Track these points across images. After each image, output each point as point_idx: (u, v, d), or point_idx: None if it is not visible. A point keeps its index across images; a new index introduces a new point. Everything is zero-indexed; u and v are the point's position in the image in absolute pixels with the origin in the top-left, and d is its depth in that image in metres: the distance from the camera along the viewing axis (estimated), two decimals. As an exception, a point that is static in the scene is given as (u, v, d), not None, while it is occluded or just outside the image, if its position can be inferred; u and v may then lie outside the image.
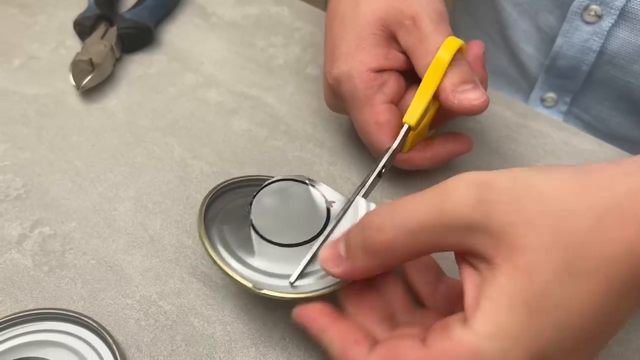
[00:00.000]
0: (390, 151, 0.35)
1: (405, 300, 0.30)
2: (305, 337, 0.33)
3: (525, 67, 0.53)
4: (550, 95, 0.52)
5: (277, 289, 0.30)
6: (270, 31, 0.51)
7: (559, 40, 0.48)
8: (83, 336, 0.32)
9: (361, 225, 0.27)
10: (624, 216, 0.23)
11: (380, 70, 0.36)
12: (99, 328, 0.32)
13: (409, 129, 0.35)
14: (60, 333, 0.32)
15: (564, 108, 0.52)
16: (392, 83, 0.37)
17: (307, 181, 0.36)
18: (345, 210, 0.33)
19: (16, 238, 0.37)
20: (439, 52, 0.34)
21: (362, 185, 0.34)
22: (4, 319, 0.32)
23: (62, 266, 0.36)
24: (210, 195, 0.34)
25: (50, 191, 0.39)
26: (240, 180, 0.36)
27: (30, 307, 0.34)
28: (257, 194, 0.35)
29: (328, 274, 0.29)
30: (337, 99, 0.38)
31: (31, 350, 0.31)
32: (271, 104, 0.45)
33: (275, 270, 0.32)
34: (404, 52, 0.37)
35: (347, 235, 0.28)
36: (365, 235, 0.26)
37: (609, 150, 0.43)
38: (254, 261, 0.32)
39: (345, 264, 0.28)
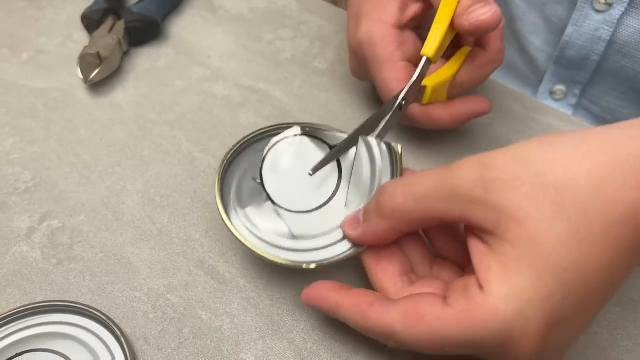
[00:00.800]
0: (410, 83, 0.35)
1: (424, 253, 0.31)
2: (312, 330, 0.33)
3: (534, 60, 0.53)
4: (560, 87, 0.52)
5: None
6: (277, 24, 0.51)
7: (569, 30, 0.47)
8: (91, 328, 0.32)
9: (377, 193, 0.30)
10: (626, 180, 0.24)
11: (400, 27, 0.38)
12: (107, 320, 0.32)
13: (428, 61, 0.35)
14: (69, 325, 0.32)
15: (573, 100, 0.52)
16: (410, 43, 0.38)
17: (307, 129, 0.37)
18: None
19: (25, 231, 0.37)
20: None
21: (378, 120, 0.35)
22: (14, 311, 0.32)
23: (71, 259, 0.36)
24: (228, 157, 0.35)
25: (58, 184, 0.40)
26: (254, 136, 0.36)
27: (39, 299, 0.34)
28: (263, 161, 0.35)
29: (347, 237, 0.31)
30: (361, 63, 0.40)
31: (40, 343, 0.32)
32: (278, 98, 0.45)
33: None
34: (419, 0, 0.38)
35: (366, 204, 0.31)
36: (379, 201, 0.29)
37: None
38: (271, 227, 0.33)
39: (362, 227, 0.30)
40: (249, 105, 0.45)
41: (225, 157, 0.35)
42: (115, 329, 0.32)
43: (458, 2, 0.35)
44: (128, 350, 0.31)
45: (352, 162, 0.34)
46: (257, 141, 0.36)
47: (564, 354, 0.27)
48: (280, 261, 0.31)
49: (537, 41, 0.51)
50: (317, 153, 0.36)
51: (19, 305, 0.33)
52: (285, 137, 0.36)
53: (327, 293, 0.30)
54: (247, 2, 0.53)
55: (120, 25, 0.47)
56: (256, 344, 0.33)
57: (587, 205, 0.24)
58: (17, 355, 0.31)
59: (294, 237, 0.32)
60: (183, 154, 0.41)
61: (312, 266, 0.31)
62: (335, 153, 0.34)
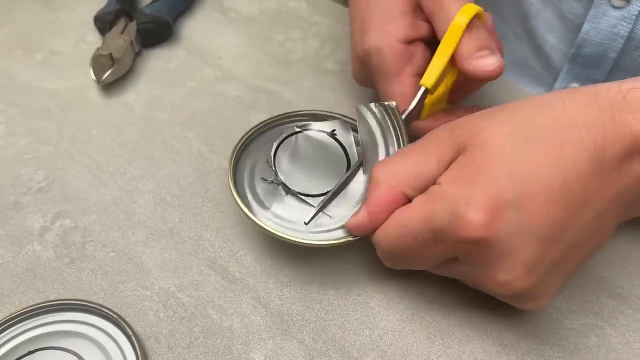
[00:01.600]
0: (406, 113, 0.36)
1: None
2: (322, 330, 0.33)
3: (548, 58, 0.52)
4: (574, 85, 0.51)
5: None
6: (288, 25, 0.51)
7: (585, 27, 0.47)
8: (103, 327, 0.32)
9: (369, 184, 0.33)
10: (565, 102, 0.28)
11: (409, 42, 0.37)
12: (119, 319, 0.32)
13: (426, 91, 0.36)
14: (81, 324, 0.33)
15: None
16: (420, 56, 0.38)
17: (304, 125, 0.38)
18: (352, 173, 0.35)
19: (38, 230, 0.38)
20: (455, 17, 0.34)
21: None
22: (26, 310, 0.33)
23: (83, 258, 0.36)
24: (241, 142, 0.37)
25: (71, 184, 0.40)
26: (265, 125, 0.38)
27: (52, 297, 0.35)
28: (275, 150, 0.37)
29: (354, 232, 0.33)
30: (365, 72, 0.40)
31: (52, 340, 0.32)
32: (288, 98, 0.45)
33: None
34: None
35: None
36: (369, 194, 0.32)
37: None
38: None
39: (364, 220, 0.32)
40: (259, 105, 0.45)
41: (232, 154, 0.36)
42: (126, 327, 0.32)
43: (461, 38, 0.34)
44: (139, 348, 0.31)
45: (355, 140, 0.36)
46: (262, 134, 0.38)
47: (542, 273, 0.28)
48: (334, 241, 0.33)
49: (552, 39, 0.51)
50: (319, 142, 0.38)
51: (32, 303, 0.33)
52: (287, 137, 0.38)
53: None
54: (258, 3, 0.53)
55: (132, 26, 0.48)
56: (266, 343, 0.33)
57: (531, 117, 0.28)
58: (30, 352, 0.31)
59: (330, 217, 0.34)
60: (194, 154, 0.42)
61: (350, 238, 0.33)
62: (325, 202, 0.35)
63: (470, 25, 0.34)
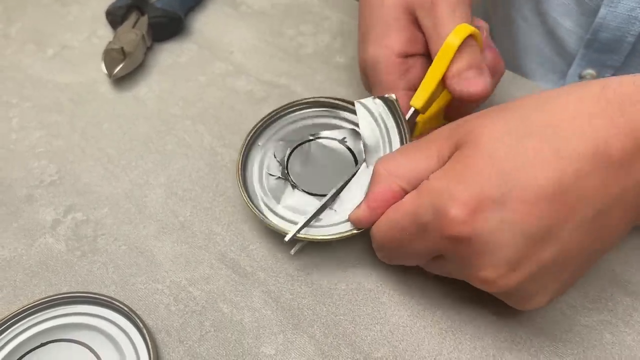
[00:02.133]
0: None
1: None
2: (333, 325, 0.33)
3: (563, 43, 0.51)
4: (590, 71, 0.50)
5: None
6: (299, 20, 0.51)
7: (602, 11, 0.45)
8: (114, 320, 0.33)
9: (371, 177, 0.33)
10: (570, 93, 0.28)
11: (406, 56, 0.37)
12: (130, 312, 0.32)
13: (416, 111, 0.36)
14: (93, 316, 0.33)
15: None
16: (417, 70, 0.37)
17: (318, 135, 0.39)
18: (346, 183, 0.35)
19: (50, 223, 0.38)
20: (448, 37, 0.34)
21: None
22: (39, 302, 0.33)
23: (94, 251, 0.36)
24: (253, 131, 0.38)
25: (82, 178, 0.40)
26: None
27: (64, 290, 0.35)
28: (290, 154, 0.38)
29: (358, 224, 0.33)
30: (366, 81, 0.40)
31: (64, 333, 0.32)
32: (300, 93, 0.45)
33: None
34: None
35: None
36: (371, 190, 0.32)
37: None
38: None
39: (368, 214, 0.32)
40: (271, 100, 0.45)
41: (241, 150, 0.37)
42: (138, 320, 0.32)
43: (453, 60, 0.34)
44: (150, 341, 0.31)
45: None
46: (268, 126, 0.39)
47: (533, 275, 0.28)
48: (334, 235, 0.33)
49: (567, 22, 0.49)
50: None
51: (44, 295, 0.33)
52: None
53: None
54: (269, -3, 0.53)
55: (144, 20, 0.48)
56: (277, 337, 0.33)
57: (527, 114, 0.28)
58: (42, 345, 0.32)
59: (335, 211, 0.34)
60: (205, 148, 0.42)
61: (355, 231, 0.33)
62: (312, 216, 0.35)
63: (463, 45, 0.34)
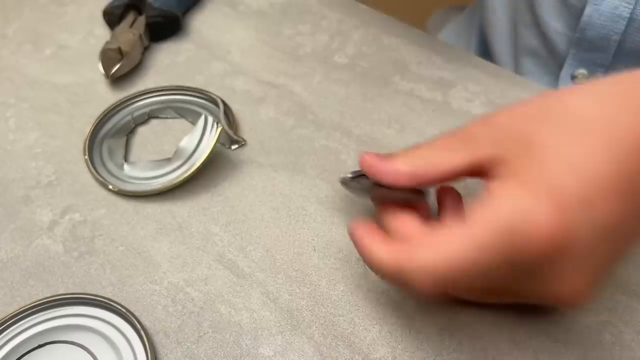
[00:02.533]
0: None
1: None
2: (331, 325, 0.33)
3: (554, 44, 0.52)
4: (581, 71, 0.50)
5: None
6: (297, 19, 0.51)
7: (588, 10, 0.46)
8: (112, 321, 0.32)
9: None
10: (612, 85, 0.27)
11: None
12: (128, 313, 0.32)
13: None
14: (90, 318, 0.33)
15: None
16: None
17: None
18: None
19: (47, 224, 0.38)
20: None
21: None
22: (36, 303, 0.33)
23: (92, 252, 0.36)
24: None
25: (80, 178, 0.40)
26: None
27: (61, 291, 0.34)
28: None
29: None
30: None
31: (61, 334, 0.32)
32: (298, 93, 0.45)
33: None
34: None
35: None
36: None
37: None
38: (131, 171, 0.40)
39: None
40: (269, 100, 0.44)
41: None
42: (135, 322, 0.32)
43: None
44: (148, 343, 0.31)
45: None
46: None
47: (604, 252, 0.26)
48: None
49: (556, 25, 0.50)
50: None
51: (41, 297, 0.33)
52: None
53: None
54: (267, -3, 0.53)
55: (141, 20, 0.47)
56: (275, 338, 0.33)
57: (590, 125, 0.26)
58: (39, 346, 0.32)
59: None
60: (203, 148, 0.41)
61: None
62: None
63: None
